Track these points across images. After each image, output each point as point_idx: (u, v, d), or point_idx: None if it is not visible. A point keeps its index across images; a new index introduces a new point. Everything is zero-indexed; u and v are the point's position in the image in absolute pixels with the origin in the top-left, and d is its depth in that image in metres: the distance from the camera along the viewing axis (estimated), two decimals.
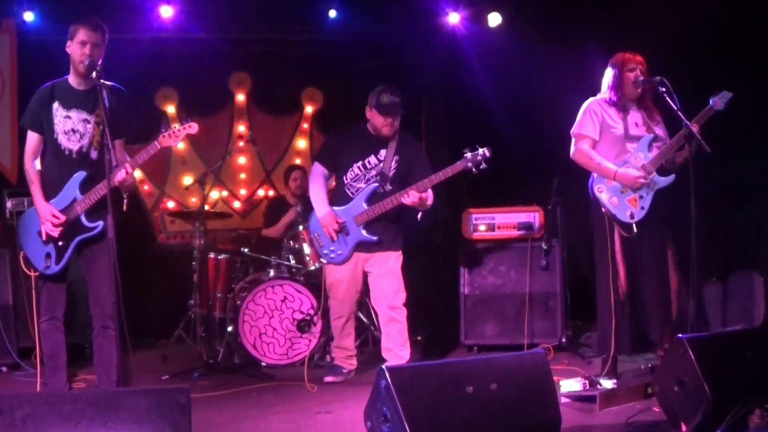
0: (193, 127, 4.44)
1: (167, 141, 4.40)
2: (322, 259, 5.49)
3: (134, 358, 4.48)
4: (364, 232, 5.33)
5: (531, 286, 6.13)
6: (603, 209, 4.88)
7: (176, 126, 4.44)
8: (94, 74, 4.17)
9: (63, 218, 4.40)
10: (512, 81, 7.19)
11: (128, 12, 6.66)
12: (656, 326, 4.99)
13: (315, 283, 5.84)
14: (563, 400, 4.47)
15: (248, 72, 8.10)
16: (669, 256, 4.95)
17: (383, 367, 3.29)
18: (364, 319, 6.32)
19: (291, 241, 6.31)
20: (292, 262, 6.25)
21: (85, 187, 4.43)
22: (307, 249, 6.09)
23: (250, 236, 6.84)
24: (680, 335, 3.77)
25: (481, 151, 5.07)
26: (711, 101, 4.73)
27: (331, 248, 5.39)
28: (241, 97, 8.13)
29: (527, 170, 7.18)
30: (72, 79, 4.47)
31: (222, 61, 7.75)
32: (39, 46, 6.51)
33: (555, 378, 3.81)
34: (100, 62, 4.29)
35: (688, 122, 4.61)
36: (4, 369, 5.81)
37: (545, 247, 6.06)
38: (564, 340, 6.12)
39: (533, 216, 6.24)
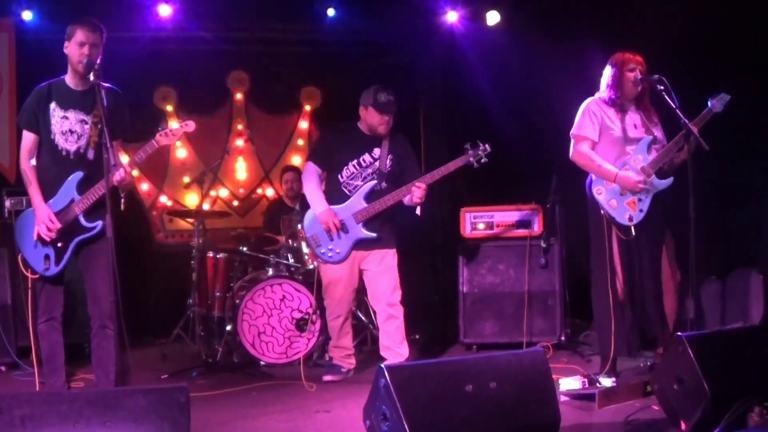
0: (190, 126, 4.45)
1: (165, 140, 4.40)
2: (319, 259, 5.48)
3: (133, 357, 4.47)
4: (363, 229, 5.34)
5: (530, 285, 6.13)
6: (602, 211, 4.87)
7: (174, 125, 4.44)
8: (92, 75, 4.17)
9: (59, 226, 4.38)
10: (511, 79, 7.19)
11: (126, 11, 6.66)
12: (654, 326, 4.99)
13: (314, 282, 5.83)
14: (562, 398, 4.47)
15: (247, 71, 8.10)
16: (666, 255, 4.95)
17: (382, 366, 3.28)
18: (363, 318, 6.32)
19: (290, 240, 6.31)
20: (291, 261, 6.25)
21: (83, 187, 4.41)
22: (306, 248, 6.08)
23: (248, 235, 6.84)
24: (679, 333, 3.77)
25: (482, 145, 5.17)
26: (710, 103, 4.72)
27: (329, 247, 5.39)
28: (239, 96, 8.13)
29: (526, 168, 7.17)
30: (69, 80, 4.46)
31: (220, 60, 7.75)
32: (37, 45, 6.50)
33: (554, 376, 3.80)
34: (98, 62, 4.29)
35: (687, 121, 4.60)
36: (3, 368, 5.81)
37: (544, 246, 6.05)
38: (563, 338, 6.12)
39: (532, 214, 6.24)
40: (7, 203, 6.22)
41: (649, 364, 5.06)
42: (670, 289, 5.00)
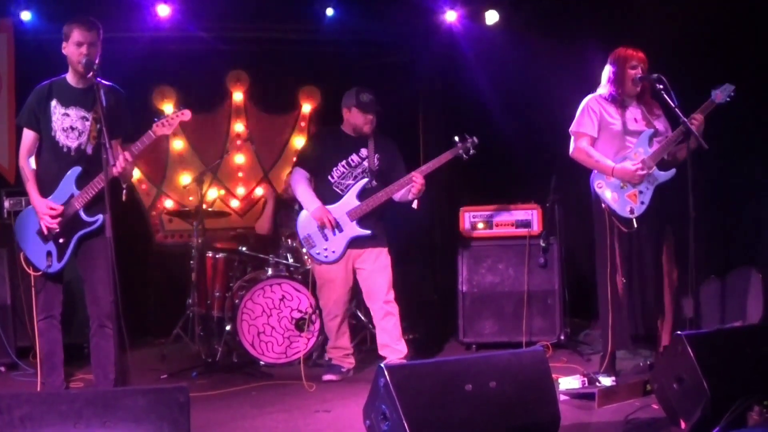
0: (186, 114, 4.46)
1: (162, 129, 4.41)
2: (314, 260, 5.49)
3: (132, 357, 4.48)
4: (357, 227, 5.36)
5: (529, 284, 6.13)
6: (603, 205, 4.89)
7: (169, 113, 4.45)
8: (91, 74, 4.18)
9: (60, 209, 4.39)
10: (510, 79, 7.19)
11: (125, 10, 6.65)
12: (655, 322, 4.99)
13: (313, 282, 5.83)
14: (562, 397, 4.47)
15: (246, 70, 8.08)
16: (667, 251, 4.95)
17: (382, 365, 3.28)
18: (363, 318, 6.32)
19: (289, 240, 6.31)
20: (290, 260, 6.25)
21: (81, 182, 4.42)
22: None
23: (248, 235, 6.84)
24: (679, 332, 3.77)
25: (469, 138, 5.33)
26: (712, 94, 4.74)
27: (324, 247, 5.40)
28: (238, 96, 8.12)
29: (525, 168, 7.17)
30: (70, 78, 4.47)
31: (219, 60, 7.74)
32: (36, 45, 6.49)
33: (554, 375, 3.80)
34: (97, 60, 4.29)
35: (686, 119, 4.61)
36: (2, 369, 5.80)
37: (543, 245, 6.06)
38: (562, 337, 6.12)
39: (531, 213, 6.24)
40: (6, 204, 6.21)
41: (648, 362, 5.07)
42: (673, 285, 5.00)
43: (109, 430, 2.92)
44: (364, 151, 5.50)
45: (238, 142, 8.07)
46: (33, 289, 4.51)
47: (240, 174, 8.15)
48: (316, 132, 5.97)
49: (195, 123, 7.12)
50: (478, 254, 6.27)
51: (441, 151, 5.42)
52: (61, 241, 4.44)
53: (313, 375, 5.44)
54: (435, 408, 3.25)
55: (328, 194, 5.45)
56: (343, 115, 5.55)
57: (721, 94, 4.71)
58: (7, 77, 6.85)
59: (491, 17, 7.27)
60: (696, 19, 5.86)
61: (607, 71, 4.98)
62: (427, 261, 7.97)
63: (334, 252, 5.39)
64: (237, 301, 5.98)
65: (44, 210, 4.40)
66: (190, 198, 7.81)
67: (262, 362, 5.87)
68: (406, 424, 3.14)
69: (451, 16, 7.37)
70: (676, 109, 4.62)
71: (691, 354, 3.61)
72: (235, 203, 8.11)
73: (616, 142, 4.93)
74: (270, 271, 6.16)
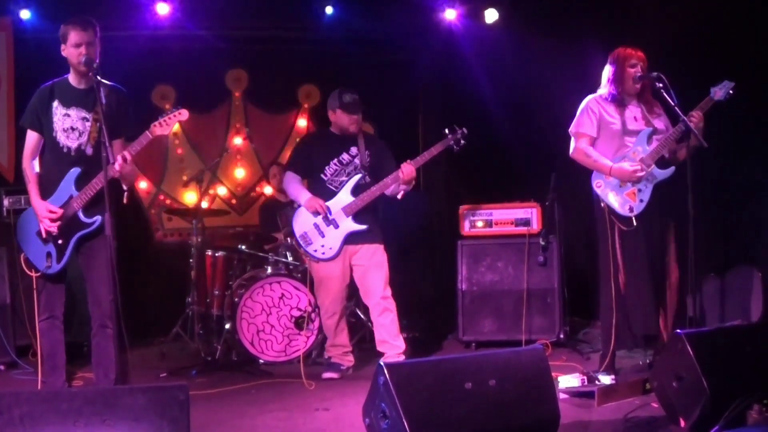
0: (183, 114, 4.45)
1: (159, 129, 4.40)
2: (311, 258, 5.48)
3: (132, 355, 4.48)
4: (353, 222, 5.37)
5: (529, 283, 6.13)
6: (603, 204, 4.90)
7: (166, 113, 4.44)
8: (91, 72, 4.17)
9: (60, 212, 4.39)
10: (509, 77, 7.19)
11: (124, 9, 6.65)
12: (654, 321, 4.99)
13: (312, 280, 5.83)
14: (562, 396, 4.47)
15: (245, 69, 8.09)
16: (670, 248, 4.95)
17: (381, 363, 3.29)
18: (362, 316, 6.32)
19: (289, 239, 6.30)
20: (290, 259, 6.25)
21: (81, 183, 4.41)
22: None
23: (247, 233, 6.83)
24: (679, 330, 3.77)
25: (459, 130, 5.45)
26: (711, 91, 4.74)
27: (321, 244, 5.41)
28: (238, 95, 8.12)
29: (525, 166, 7.17)
30: (72, 78, 4.46)
31: (219, 59, 7.74)
32: (35, 44, 6.49)
33: (553, 374, 3.80)
34: (97, 60, 4.28)
35: (685, 118, 4.61)
36: (2, 367, 5.80)
37: (543, 243, 6.05)
38: (562, 336, 6.12)
39: (531, 212, 6.25)
40: (6, 202, 6.20)
41: (648, 361, 5.07)
42: (674, 283, 5.00)
43: (109, 429, 2.92)
44: (354, 149, 5.54)
45: (238, 141, 8.07)
46: (35, 290, 4.51)
47: (239, 173, 8.15)
48: (304, 136, 6.08)
49: (194, 121, 7.14)
50: (477, 253, 6.27)
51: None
52: (60, 242, 4.44)
53: (313, 373, 5.44)
54: (435, 406, 3.26)
55: (322, 192, 5.47)
56: (329, 118, 5.60)
57: (720, 91, 4.72)
58: (7, 76, 6.85)
59: (491, 16, 7.28)
60: (696, 18, 5.86)
61: (607, 71, 4.99)
62: (427, 259, 7.96)
63: (331, 248, 5.40)
64: (236, 299, 5.98)
65: (44, 213, 4.39)
66: (190, 196, 7.81)
67: (261, 360, 5.87)
68: (405, 422, 3.14)
69: (450, 15, 7.37)
70: (676, 107, 4.62)
71: (691, 352, 3.61)
72: (234, 201, 8.12)
73: (615, 141, 4.93)
74: (269, 270, 6.16)
